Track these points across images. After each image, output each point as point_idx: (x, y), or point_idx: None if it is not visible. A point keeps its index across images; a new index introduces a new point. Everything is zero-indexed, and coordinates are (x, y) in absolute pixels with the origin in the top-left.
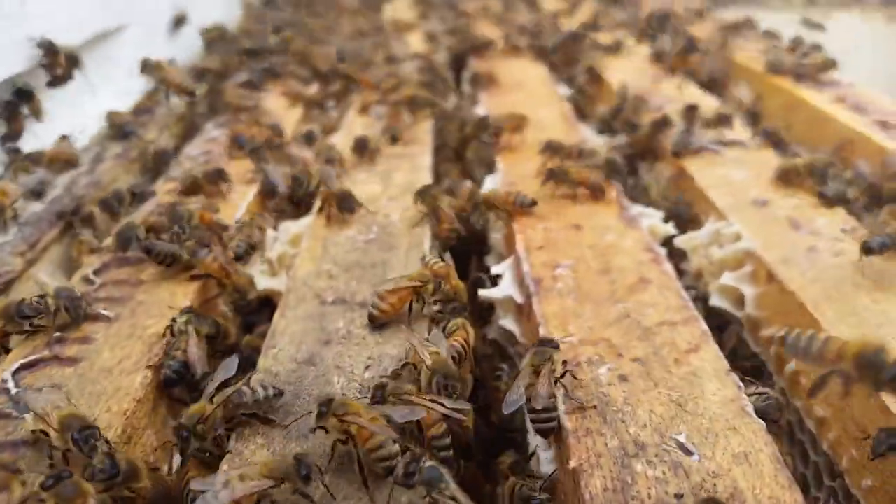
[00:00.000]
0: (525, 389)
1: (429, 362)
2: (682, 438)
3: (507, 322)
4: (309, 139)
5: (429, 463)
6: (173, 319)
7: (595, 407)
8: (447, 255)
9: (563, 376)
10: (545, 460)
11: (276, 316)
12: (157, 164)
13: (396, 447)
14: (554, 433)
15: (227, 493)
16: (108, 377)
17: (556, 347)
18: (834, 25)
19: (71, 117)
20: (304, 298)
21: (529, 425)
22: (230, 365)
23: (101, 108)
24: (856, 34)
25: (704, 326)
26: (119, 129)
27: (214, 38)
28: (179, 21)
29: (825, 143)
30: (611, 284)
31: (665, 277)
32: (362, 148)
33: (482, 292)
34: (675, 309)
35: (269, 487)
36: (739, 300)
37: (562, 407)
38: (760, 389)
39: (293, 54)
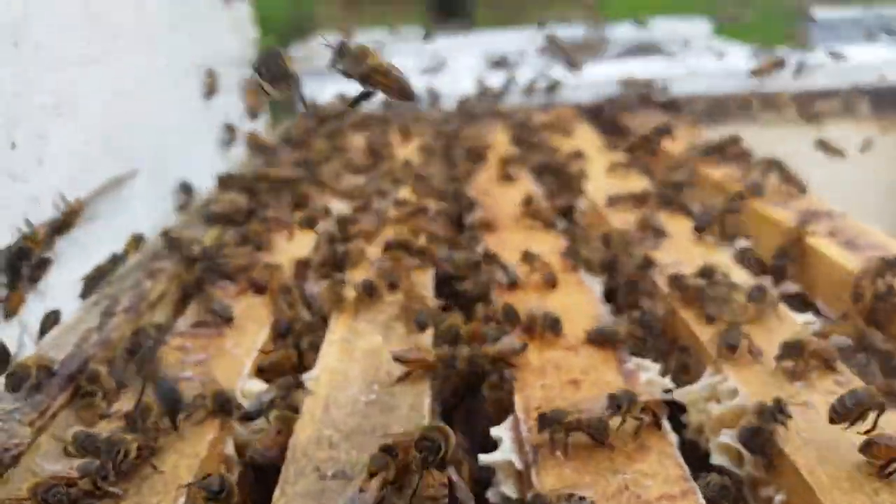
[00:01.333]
0: None
1: None
2: None
3: (507, 488)
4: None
5: None
6: None
7: None
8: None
9: None
10: None
11: (277, 493)
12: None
13: None
14: None
15: None
16: None
17: None
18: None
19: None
20: (303, 472)
21: None
22: None
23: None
24: (851, 145)
25: (702, 500)
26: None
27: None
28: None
29: (819, 281)
30: (610, 451)
31: (664, 443)
32: (370, 291)
33: (482, 457)
34: (675, 480)
35: None
36: (740, 458)
37: None
38: None
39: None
